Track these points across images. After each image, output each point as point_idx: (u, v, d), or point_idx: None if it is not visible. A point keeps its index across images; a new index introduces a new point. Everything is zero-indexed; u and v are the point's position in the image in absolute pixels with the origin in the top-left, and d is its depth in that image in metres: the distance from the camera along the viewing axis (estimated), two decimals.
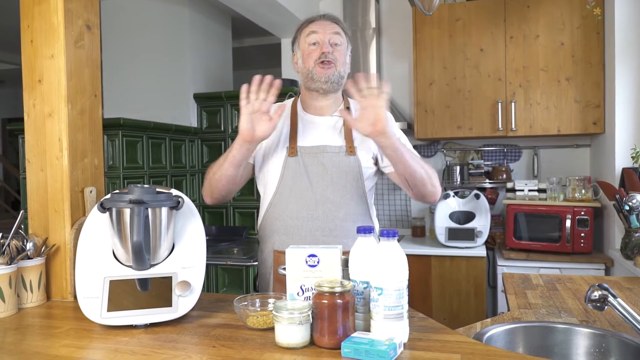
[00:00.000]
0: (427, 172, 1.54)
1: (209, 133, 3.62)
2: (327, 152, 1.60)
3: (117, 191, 1.28)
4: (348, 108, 1.67)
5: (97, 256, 1.27)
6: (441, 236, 3.15)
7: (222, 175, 1.55)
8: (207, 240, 1.37)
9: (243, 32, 4.76)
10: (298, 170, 1.58)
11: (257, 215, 1.71)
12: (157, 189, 1.28)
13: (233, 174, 1.55)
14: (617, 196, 2.51)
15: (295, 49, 1.69)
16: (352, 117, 1.43)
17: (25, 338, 1.17)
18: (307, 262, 1.15)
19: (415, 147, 3.76)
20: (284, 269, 1.18)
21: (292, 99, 1.74)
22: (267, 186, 1.65)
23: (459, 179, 3.47)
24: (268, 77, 1.43)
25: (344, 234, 1.55)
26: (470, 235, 3.08)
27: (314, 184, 1.58)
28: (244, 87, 1.44)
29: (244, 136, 1.45)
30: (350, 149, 1.60)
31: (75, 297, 1.41)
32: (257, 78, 1.42)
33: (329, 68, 1.59)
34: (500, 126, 3.16)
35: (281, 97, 3.43)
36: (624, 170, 2.66)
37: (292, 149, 1.60)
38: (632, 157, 2.55)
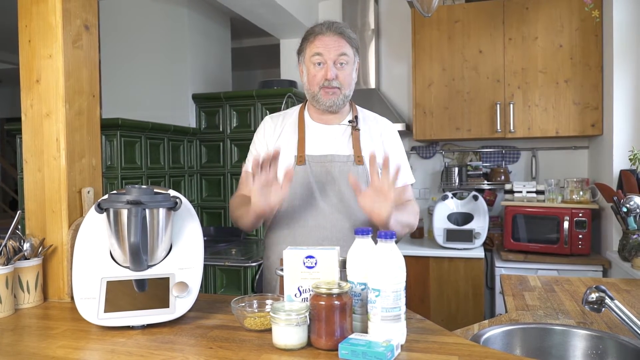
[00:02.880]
0: (407, 225, 1.60)
1: (208, 134, 3.62)
2: (335, 162, 1.59)
3: (114, 192, 1.28)
4: (356, 117, 1.67)
5: (94, 257, 1.27)
6: (439, 237, 3.15)
7: (244, 222, 1.56)
8: (205, 240, 1.37)
9: (242, 32, 4.76)
10: (306, 179, 1.58)
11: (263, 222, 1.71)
12: (155, 190, 1.28)
13: (255, 222, 1.54)
14: (615, 198, 2.51)
15: (300, 60, 1.65)
16: (360, 189, 1.40)
17: (22, 339, 1.16)
18: (304, 263, 1.14)
19: (413, 148, 3.78)
20: (282, 269, 1.18)
21: (299, 105, 1.73)
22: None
23: (457, 181, 3.47)
24: (268, 155, 1.39)
25: (350, 243, 1.54)
26: (469, 236, 3.08)
27: (322, 193, 1.58)
28: (248, 172, 1.43)
29: (259, 210, 1.44)
30: (359, 158, 1.59)
31: (72, 297, 1.41)
32: (256, 161, 1.38)
33: (334, 94, 1.57)
34: (498, 128, 3.16)
35: (279, 97, 3.46)
36: (622, 172, 2.66)
37: (301, 158, 1.59)
38: (629, 159, 2.55)
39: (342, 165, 1.59)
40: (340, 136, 1.64)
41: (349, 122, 1.66)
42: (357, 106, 1.73)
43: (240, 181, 1.74)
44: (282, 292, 1.54)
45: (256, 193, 1.41)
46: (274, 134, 1.67)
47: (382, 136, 1.67)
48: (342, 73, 1.57)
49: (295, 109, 1.72)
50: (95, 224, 1.31)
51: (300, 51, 1.65)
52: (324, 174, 1.58)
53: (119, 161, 2.93)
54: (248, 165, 1.70)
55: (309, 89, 1.61)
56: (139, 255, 1.21)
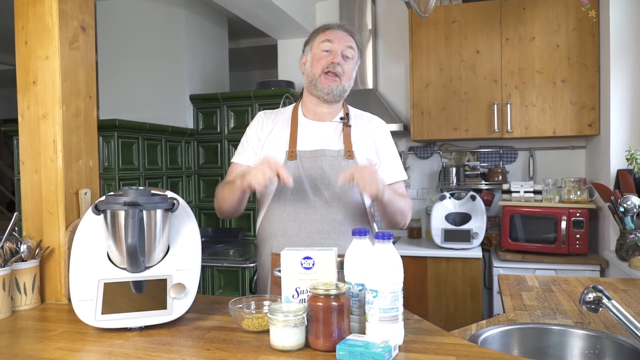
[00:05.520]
0: (402, 212, 1.62)
1: (205, 134, 3.62)
2: (326, 156, 1.61)
3: (111, 193, 1.28)
4: (347, 114, 1.69)
5: (92, 258, 1.27)
6: (437, 237, 3.15)
7: (229, 201, 1.59)
8: (203, 241, 1.37)
9: (239, 33, 4.76)
10: (297, 174, 1.59)
11: (254, 218, 1.72)
12: (152, 191, 1.28)
13: (241, 198, 1.58)
14: (612, 198, 2.52)
15: (306, 50, 1.69)
16: (350, 178, 1.43)
17: (19, 341, 1.16)
18: (302, 264, 1.14)
19: (411, 148, 3.77)
20: (279, 271, 1.18)
21: (293, 104, 1.75)
22: (266, 189, 1.65)
23: (455, 181, 3.47)
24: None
25: (342, 236, 1.57)
26: (466, 236, 3.09)
27: (313, 187, 1.60)
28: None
29: (253, 185, 1.45)
30: (349, 152, 1.62)
31: (69, 299, 1.41)
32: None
33: (334, 81, 1.60)
34: (496, 128, 3.16)
35: (277, 98, 3.46)
36: (619, 171, 2.66)
37: (292, 153, 1.61)
38: (626, 159, 2.56)
39: (332, 159, 1.61)
40: (332, 132, 1.67)
41: (341, 119, 1.69)
42: (349, 106, 1.76)
43: (228, 172, 1.75)
44: (273, 291, 1.54)
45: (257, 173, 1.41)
46: (265, 128, 1.69)
47: (374, 135, 1.69)
48: (346, 65, 1.62)
49: (289, 107, 1.75)
50: (92, 225, 1.31)
51: (308, 42, 1.69)
52: (314, 168, 1.60)
53: (117, 162, 2.93)
54: (237, 158, 1.72)
55: (310, 72, 1.63)
56: (136, 256, 1.21)
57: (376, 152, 1.68)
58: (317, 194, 1.60)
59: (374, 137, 1.69)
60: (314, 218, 1.58)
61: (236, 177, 1.58)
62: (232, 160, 1.74)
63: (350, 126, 1.67)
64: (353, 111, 1.74)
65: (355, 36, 1.66)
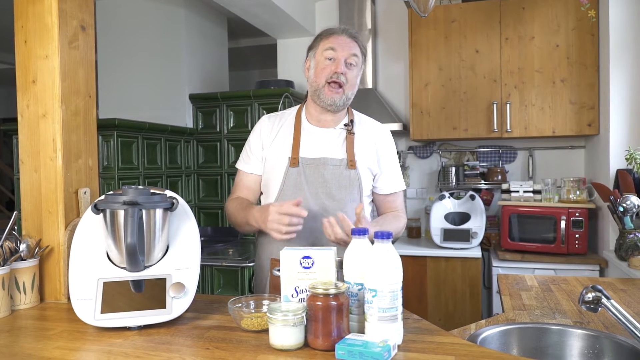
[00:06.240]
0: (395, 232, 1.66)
1: (205, 134, 3.62)
2: (328, 165, 1.61)
3: (111, 192, 1.27)
4: (352, 121, 1.69)
5: (91, 257, 1.27)
6: (436, 237, 3.15)
7: (243, 230, 1.66)
8: (202, 241, 1.37)
9: (239, 32, 4.76)
10: (298, 181, 1.59)
11: None
12: (152, 190, 1.27)
13: (254, 230, 1.63)
14: (612, 197, 2.52)
15: (310, 55, 1.67)
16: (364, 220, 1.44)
17: (18, 340, 1.16)
18: (301, 263, 1.14)
19: (410, 148, 3.77)
20: (279, 270, 1.18)
21: (297, 107, 1.74)
22: (268, 195, 1.67)
23: (454, 180, 3.48)
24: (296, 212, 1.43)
25: (342, 246, 1.55)
26: (466, 236, 3.09)
27: (314, 195, 1.59)
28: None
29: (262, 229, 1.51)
30: (351, 162, 1.61)
31: (68, 298, 1.41)
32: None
33: (337, 93, 1.59)
34: (495, 127, 3.16)
35: (276, 97, 3.45)
36: (619, 171, 2.67)
37: (294, 160, 1.61)
38: (626, 159, 2.56)
39: (334, 168, 1.60)
40: (335, 139, 1.65)
41: (345, 125, 1.67)
42: (354, 110, 1.74)
43: (235, 181, 1.75)
44: (272, 291, 1.55)
45: (273, 222, 1.43)
46: (270, 134, 1.68)
47: (376, 144, 1.69)
48: (350, 73, 1.60)
49: (293, 110, 1.73)
50: (91, 224, 1.31)
51: (311, 47, 1.66)
52: (316, 176, 1.60)
53: (116, 161, 2.93)
54: (244, 165, 1.71)
55: (314, 81, 1.62)
56: (136, 256, 1.21)
57: (377, 161, 1.68)
58: (317, 202, 1.59)
59: (376, 146, 1.68)
60: (314, 227, 1.57)
61: (250, 209, 1.59)
62: (238, 167, 1.74)
63: (354, 134, 1.66)
64: (357, 116, 1.73)
65: (359, 41, 1.63)
